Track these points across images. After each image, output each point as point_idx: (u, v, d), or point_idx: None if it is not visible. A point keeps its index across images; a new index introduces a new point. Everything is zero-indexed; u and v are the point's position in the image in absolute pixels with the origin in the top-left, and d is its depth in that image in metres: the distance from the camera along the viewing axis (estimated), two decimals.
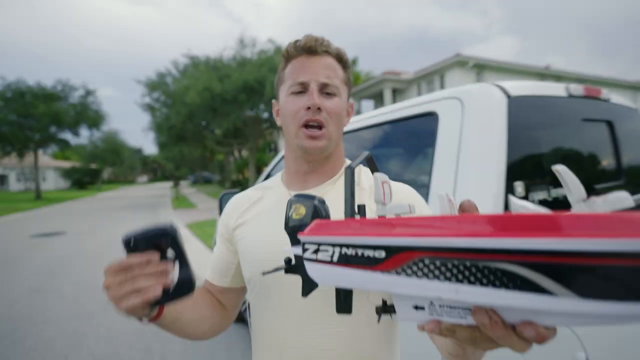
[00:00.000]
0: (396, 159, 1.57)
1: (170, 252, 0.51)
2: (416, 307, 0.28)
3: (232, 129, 17.91)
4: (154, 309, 0.53)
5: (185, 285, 0.51)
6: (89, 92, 24.97)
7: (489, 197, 1.08)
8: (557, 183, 1.24)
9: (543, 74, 18.46)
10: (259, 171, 19.04)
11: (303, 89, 0.67)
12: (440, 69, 17.64)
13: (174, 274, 0.51)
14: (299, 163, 0.72)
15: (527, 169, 1.20)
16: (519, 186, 1.13)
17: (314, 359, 0.62)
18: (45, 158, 37.20)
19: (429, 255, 0.24)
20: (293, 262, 0.39)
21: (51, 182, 38.79)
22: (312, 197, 0.38)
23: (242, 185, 21.42)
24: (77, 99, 24.76)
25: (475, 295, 0.23)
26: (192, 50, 24.01)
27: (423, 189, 1.27)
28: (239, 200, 0.79)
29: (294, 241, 0.37)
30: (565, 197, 1.26)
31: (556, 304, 0.20)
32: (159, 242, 0.49)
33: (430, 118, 1.32)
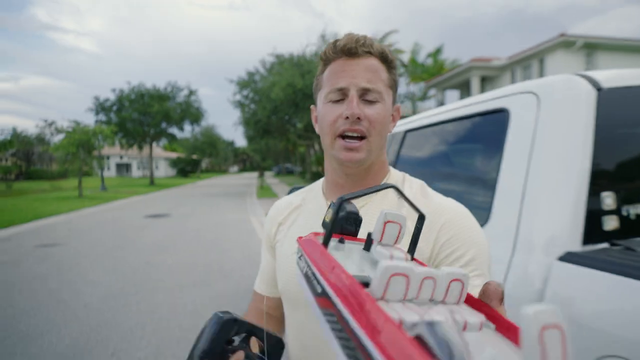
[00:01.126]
0: (462, 160, 1.46)
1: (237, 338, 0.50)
2: None
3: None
4: None
5: (277, 347, 0.52)
6: (191, 92, 28.42)
7: (566, 208, 0.94)
8: None
9: None
10: None
11: (342, 96, 0.62)
12: (540, 51, 15.38)
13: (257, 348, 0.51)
14: (337, 174, 0.68)
15: (621, 176, 1.01)
16: (608, 197, 0.96)
17: None
18: (157, 150, 43.55)
19: (338, 317, 0.22)
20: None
21: (162, 170, 45.54)
22: (343, 206, 0.38)
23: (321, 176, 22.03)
24: (183, 98, 28.36)
25: None
26: (277, 49, 25.30)
27: (487, 197, 1.16)
28: (280, 207, 0.77)
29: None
30: None
31: None
32: (227, 337, 0.48)
33: (500, 115, 1.20)
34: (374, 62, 0.62)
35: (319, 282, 0.26)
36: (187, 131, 33.40)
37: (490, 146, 1.22)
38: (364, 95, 0.61)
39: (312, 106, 0.73)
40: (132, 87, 26.95)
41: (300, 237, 0.35)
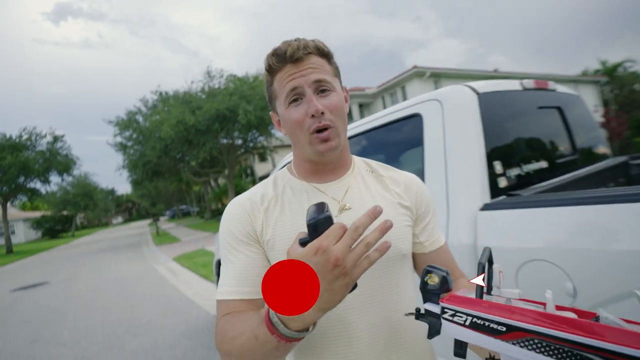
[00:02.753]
0: (390, 160, 1.80)
1: None
2: None
3: (209, 158, 17.92)
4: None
5: None
6: (56, 138, 24.24)
7: (476, 177, 1.31)
8: (526, 162, 1.51)
9: (494, 77, 19.91)
10: None
11: (299, 95, 0.67)
12: (401, 80, 18.98)
13: None
14: (316, 163, 0.73)
15: (502, 152, 1.45)
16: (497, 164, 1.38)
17: (380, 329, 0.67)
18: (12, 210, 35.31)
19: (539, 337, 0.36)
20: (422, 312, 0.50)
21: (21, 234, 36.65)
22: (444, 271, 0.50)
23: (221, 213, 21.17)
24: (45, 146, 24.00)
25: None
26: (159, 87, 23.98)
27: (420, 177, 1.50)
28: (254, 200, 0.73)
29: (427, 299, 0.50)
30: (534, 171, 1.52)
31: None
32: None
33: (416, 119, 1.57)
34: (315, 60, 0.68)
35: (499, 324, 0.38)
36: (54, 183, 28.15)
37: (414, 142, 1.57)
38: (317, 88, 0.67)
39: (271, 113, 0.77)
40: None
41: (442, 299, 0.47)
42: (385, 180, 0.78)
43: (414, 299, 0.74)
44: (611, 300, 0.90)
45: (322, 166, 0.74)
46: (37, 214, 39.34)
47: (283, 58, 0.67)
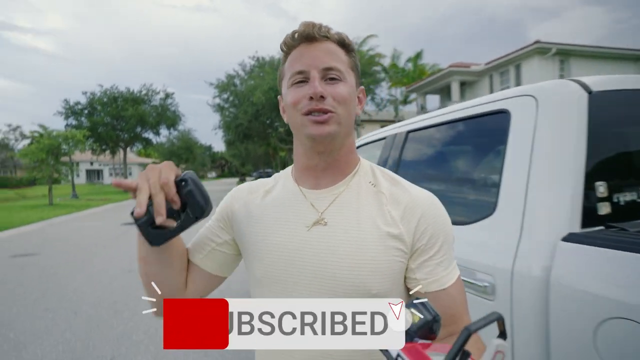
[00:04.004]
0: (465, 158, 1.58)
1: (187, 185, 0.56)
2: None
3: None
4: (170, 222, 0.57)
5: (197, 209, 0.56)
6: (167, 95, 27.71)
7: (565, 199, 1.06)
8: None
9: None
10: None
11: (304, 78, 0.61)
12: (516, 57, 16.25)
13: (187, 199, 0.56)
14: (310, 156, 0.65)
15: (612, 169, 1.14)
16: (601, 186, 1.09)
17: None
18: (131, 155, 42.09)
19: None
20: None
21: (136, 176, 43.86)
22: (432, 314, 0.40)
23: None
24: (158, 101, 27.61)
25: None
26: (257, 52, 25.25)
27: (493, 189, 1.28)
28: (245, 189, 0.74)
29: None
30: None
31: None
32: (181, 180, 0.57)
33: (501, 116, 1.32)
34: (331, 46, 0.63)
35: None
36: (163, 136, 32.53)
37: (493, 143, 1.34)
38: (326, 75, 0.61)
39: (279, 97, 0.71)
40: (105, 90, 26.05)
41: (403, 349, 0.37)
42: (383, 198, 0.64)
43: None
44: None
45: (314, 164, 0.66)
46: (148, 161, 46.30)
47: (298, 36, 0.62)
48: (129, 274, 4.69)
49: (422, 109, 21.75)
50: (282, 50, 0.65)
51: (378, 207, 0.63)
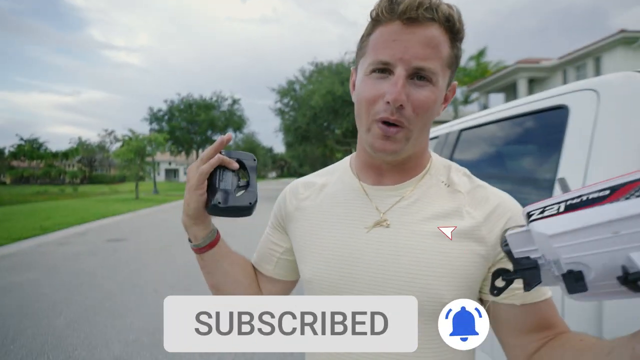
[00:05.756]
0: (519, 156, 1.58)
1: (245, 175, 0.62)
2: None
3: (351, 128, 18.74)
4: (207, 215, 0.62)
5: (243, 206, 0.60)
6: (235, 101, 29.86)
7: None
8: None
9: None
10: None
11: (387, 71, 0.52)
12: (596, 49, 14.55)
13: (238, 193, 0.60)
14: (373, 156, 0.59)
15: None
16: None
17: None
18: None
19: None
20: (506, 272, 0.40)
21: None
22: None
23: None
24: (226, 107, 29.88)
25: None
26: (317, 58, 25.92)
27: (547, 189, 1.28)
28: (299, 185, 0.69)
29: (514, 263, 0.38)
30: None
31: None
32: (241, 161, 0.62)
33: (558, 112, 1.31)
34: (435, 33, 0.51)
35: (599, 190, 0.33)
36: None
37: (550, 142, 1.33)
38: (415, 74, 0.51)
39: (352, 68, 0.63)
40: (182, 98, 28.92)
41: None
42: (462, 199, 0.57)
43: None
44: None
45: (377, 164, 0.60)
46: None
47: (395, 10, 0.50)
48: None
49: (484, 109, 20.40)
50: (371, 17, 0.54)
51: (454, 208, 0.56)
